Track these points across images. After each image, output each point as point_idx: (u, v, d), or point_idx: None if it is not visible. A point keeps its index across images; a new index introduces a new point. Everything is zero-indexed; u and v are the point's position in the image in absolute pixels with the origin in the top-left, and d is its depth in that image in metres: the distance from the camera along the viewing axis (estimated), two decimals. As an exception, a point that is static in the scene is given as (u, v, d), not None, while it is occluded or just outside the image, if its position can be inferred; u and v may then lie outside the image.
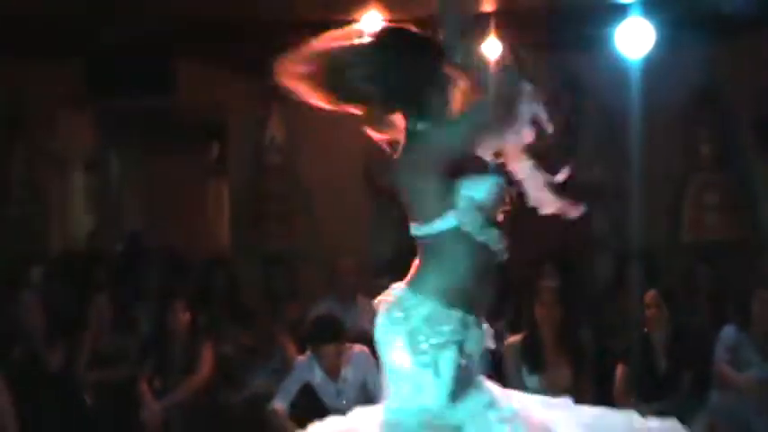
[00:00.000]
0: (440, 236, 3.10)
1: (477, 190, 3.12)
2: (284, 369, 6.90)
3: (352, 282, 8.05)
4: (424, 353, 3.08)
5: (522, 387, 6.48)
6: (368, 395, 6.48)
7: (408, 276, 3.18)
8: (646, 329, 6.61)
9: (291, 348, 7.12)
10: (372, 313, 8.03)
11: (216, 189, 10.85)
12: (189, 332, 7.09)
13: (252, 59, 8.62)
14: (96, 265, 8.66)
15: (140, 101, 9.07)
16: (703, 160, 8.67)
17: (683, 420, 6.26)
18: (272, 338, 7.23)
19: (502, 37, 8.07)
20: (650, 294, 6.63)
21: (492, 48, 8.15)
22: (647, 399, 6.46)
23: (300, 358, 6.53)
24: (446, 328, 3.09)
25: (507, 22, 7.89)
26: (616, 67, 8.18)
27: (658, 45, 7.93)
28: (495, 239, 3.15)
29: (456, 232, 3.09)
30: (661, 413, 6.27)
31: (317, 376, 6.40)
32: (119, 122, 10.03)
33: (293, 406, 6.46)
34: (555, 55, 8.55)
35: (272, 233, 9.07)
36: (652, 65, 8.07)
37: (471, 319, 3.16)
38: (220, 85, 9.06)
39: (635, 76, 8.15)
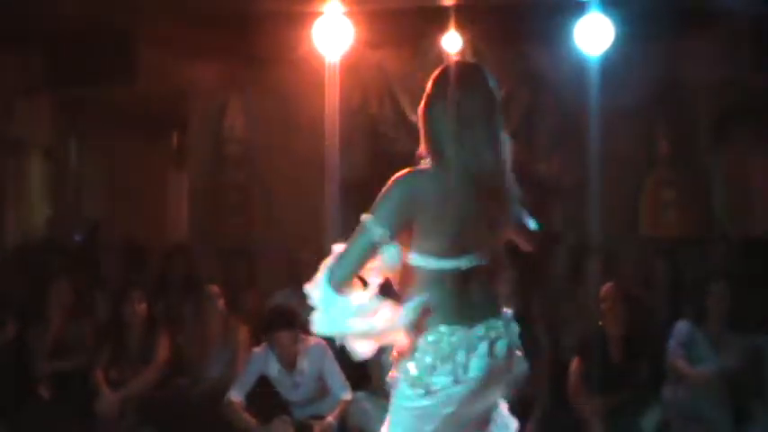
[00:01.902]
0: None
1: None
2: (238, 360, 6.89)
3: (311, 273, 8.03)
4: None
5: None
6: (324, 387, 6.51)
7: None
8: (601, 323, 6.66)
9: (247, 340, 7.09)
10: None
11: (175, 178, 10.79)
12: (145, 322, 7.06)
13: (212, 48, 8.65)
14: (54, 254, 8.60)
15: (100, 89, 9.01)
16: (661, 156, 8.73)
17: (636, 413, 6.38)
18: (230, 329, 7.19)
19: (462, 30, 8.13)
20: (606, 288, 6.68)
21: (452, 41, 8.21)
22: (601, 392, 6.52)
23: (257, 350, 6.53)
24: None
25: (467, 15, 7.93)
26: (575, 62, 8.22)
27: (617, 40, 7.97)
28: None
29: None
30: (616, 406, 6.42)
31: (274, 368, 6.42)
32: (78, 110, 9.95)
33: (250, 397, 6.46)
34: (514, 48, 8.57)
35: (231, 223, 9.05)
36: (611, 60, 8.11)
37: None
38: (180, 74, 9.02)
39: (594, 70, 8.19)
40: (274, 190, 9.01)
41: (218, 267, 8.48)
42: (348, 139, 8.29)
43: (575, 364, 6.59)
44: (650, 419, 6.43)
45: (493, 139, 3.22)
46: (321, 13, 7.64)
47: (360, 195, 8.92)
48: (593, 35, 7.96)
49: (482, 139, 3.21)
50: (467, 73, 3.30)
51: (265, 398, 6.52)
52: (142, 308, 7.04)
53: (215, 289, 7.23)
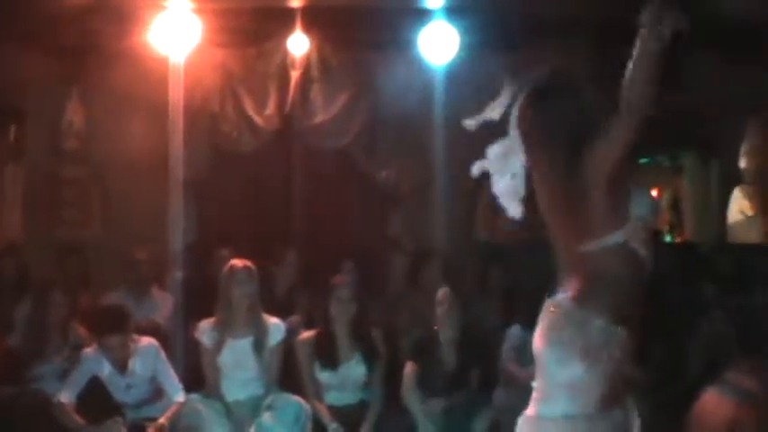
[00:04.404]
0: (606, 252, 3.18)
1: (641, 206, 3.24)
2: (73, 361, 6.72)
3: (147, 273, 7.93)
4: (599, 364, 3.18)
5: (314, 383, 6.54)
6: (159, 389, 6.42)
7: (572, 291, 3.25)
8: (436, 327, 6.75)
9: (83, 340, 6.93)
10: (167, 304, 7.92)
11: (11, 174, 10.45)
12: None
13: (52, 42, 8.44)
14: None
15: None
16: (500, 164, 8.87)
17: (468, 416, 6.49)
18: (63, 329, 7.01)
19: (308, 33, 8.13)
20: (441, 292, 6.78)
21: (298, 43, 8.21)
22: (434, 395, 6.61)
23: (87, 351, 6.37)
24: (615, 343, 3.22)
25: (313, 18, 7.94)
26: (419, 70, 8.33)
27: (462, 49, 8.10)
28: (650, 255, 3.23)
29: (620, 248, 3.19)
30: (448, 409, 6.52)
31: (106, 369, 6.29)
32: None
33: (81, 399, 6.32)
34: (358, 54, 8.62)
35: (67, 220, 8.82)
36: (455, 68, 8.24)
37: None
38: (19, 68, 8.76)
39: (437, 79, 8.32)
40: (113, 187, 8.83)
41: (52, 266, 8.26)
42: (189, 138, 8.19)
43: (408, 367, 6.65)
44: (481, 422, 6.55)
45: None
46: (165, 9, 7.54)
47: (199, 194, 8.87)
48: (438, 43, 8.08)
49: None
50: None
51: (98, 399, 6.39)
52: (-35, 308, 6.83)
53: (50, 288, 7.06)
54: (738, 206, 8.50)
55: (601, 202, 3.18)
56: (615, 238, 3.20)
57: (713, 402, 2.76)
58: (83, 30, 7.97)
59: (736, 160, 8.62)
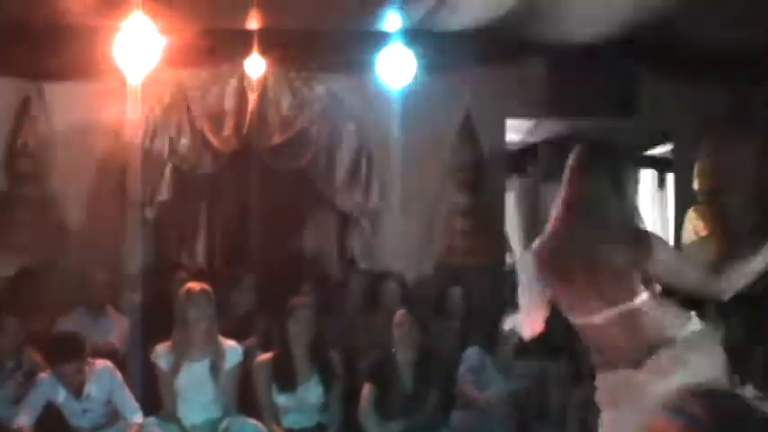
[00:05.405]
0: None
1: None
2: (27, 387, 6.64)
3: (103, 294, 7.87)
4: None
5: (271, 406, 6.52)
6: (113, 411, 6.37)
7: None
8: (394, 349, 6.76)
9: (36, 363, 6.86)
10: (123, 326, 7.81)
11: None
12: None
13: (7, 61, 8.37)
14: None
15: None
16: (458, 186, 8.89)
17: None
18: (17, 355, 6.92)
19: (265, 55, 8.12)
20: (399, 314, 6.80)
21: (255, 65, 8.20)
22: (392, 417, 6.62)
23: (42, 376, 6.29)
24: None
25: (270, 40, 7.94)
26: (378, 93, 8.35)
27: (420, 72, 8.13)
28: None
29: None
30: (406, 431, 6.54)
31: (61, 395, 6.22)
32: None
33: (38, 423, 6.25)
34: (318, 76, 8.61)
35: (22, 242, 8.71)
36: (412, 91, 8.27)
37: None
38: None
39: (396, 101, 8.35)
40: (67, 209, 8.71)
41: (6, 287, 8.17)
42: (146, 159, 8.16)
43: (365, 389, 6.65)
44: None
45: None
46: (122, 29, 7.49)
47: (157, 216, 8.79)
48: (396, 66, 8.11)
49: None
50: None
51: (55, 423, 6.33)
52: None
53: (4, 313, 6.97)
54: (692, 226, 8.58)
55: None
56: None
57: (662, 425, 2.81)
58: (39, 49, 7.91)
59: (690, 181, 8.72)
